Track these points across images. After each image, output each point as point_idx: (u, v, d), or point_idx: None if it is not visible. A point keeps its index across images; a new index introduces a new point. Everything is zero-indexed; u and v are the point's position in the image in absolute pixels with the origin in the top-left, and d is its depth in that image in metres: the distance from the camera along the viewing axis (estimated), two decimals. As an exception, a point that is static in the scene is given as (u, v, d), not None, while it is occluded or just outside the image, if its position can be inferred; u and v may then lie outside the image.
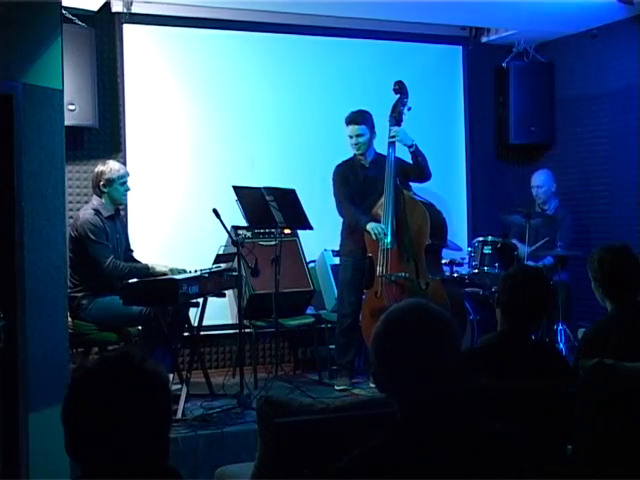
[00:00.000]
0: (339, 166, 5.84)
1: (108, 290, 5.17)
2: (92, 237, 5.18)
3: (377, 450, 1.83)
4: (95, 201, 5.37)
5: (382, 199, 5.65)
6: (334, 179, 5.81)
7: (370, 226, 5.60)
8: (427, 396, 1.84)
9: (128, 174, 5.45)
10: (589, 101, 6.93)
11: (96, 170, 5.41)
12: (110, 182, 5.32)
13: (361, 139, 5.70)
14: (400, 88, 5.74)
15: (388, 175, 5.62)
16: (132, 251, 5.64)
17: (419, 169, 5.71)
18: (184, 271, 5.30)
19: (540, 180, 6.71)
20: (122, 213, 5.86)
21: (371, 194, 5.73)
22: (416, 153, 5.68)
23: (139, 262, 5.50)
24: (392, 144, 5.66)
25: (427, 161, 5.73)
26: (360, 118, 5.69)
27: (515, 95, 7.19)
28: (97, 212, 5.29)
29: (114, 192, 5.35)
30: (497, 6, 6.12)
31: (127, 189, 5.44)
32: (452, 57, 7.28)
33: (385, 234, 5.56)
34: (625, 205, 6.59)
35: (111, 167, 5.37)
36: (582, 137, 7.02)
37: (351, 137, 5.71)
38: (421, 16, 6.56)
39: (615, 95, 6.68)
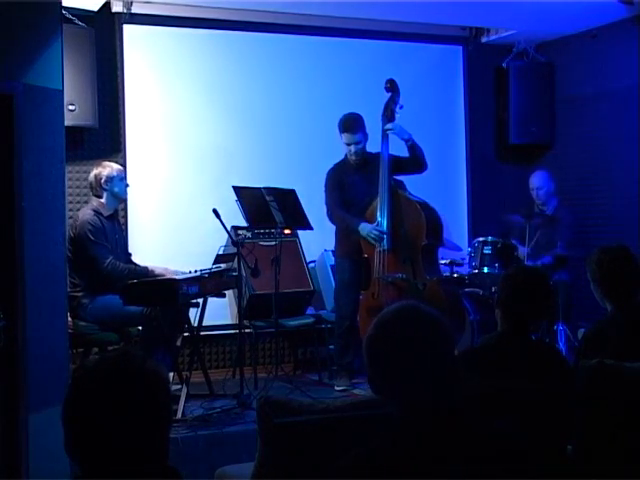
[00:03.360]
0: (331, 170, 5.80)
1: (108, 290, 5.18)
2: (91, 237, 5.19)
3: (377, 450, 1.83)
4: (94, 202, 5.38)
5: (376, 200, 5.63)
6: (326, 184, 5.77)
7: (365, 232, 5.57)
8: (422, 397, 1.85)
9: (124, 169, 5.59)
10: (589, 101, 6.93)
11: (93, 173, 5.43)
12: (111, 179, 5.37)
13: (359, 146, 5.67)
14: (392, 86, 5.70)
15: (383, 175, 5.59)
16: (130, 254, 5.65)
17: (417, 161, 5.67)
18: (182, 273, 5.30)
19: (539, 181, 6.70)
20: (121, 213, 5.88)
21: (366, 194, 5.70)
22: (413, 146, 5.64)
23: (138, 265, 5.50)
24: (386, 138, 5.60)
25: (424, 152, 5.68)
26: (356, 125, 5.63)
27: (515, 95, 7.18)
28: (97, 212, 5.30)
29: (116, 188, 5.39)
30: (497, 6, 6.12)
31: (127, 184, 5.51)
32: (452, 57, 7.28)
33: (382, 235, 5.55)
34: (625, 205, 6.59)
35: (109, 166, 5.44)
36: (582, 137, 7.01)
37: (349, 144, 5.68)
38: (421, 16, 6.56)
39: (615, 95, 6.68)
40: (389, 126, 5.60)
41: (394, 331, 1.89)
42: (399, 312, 1.93)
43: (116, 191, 5.39)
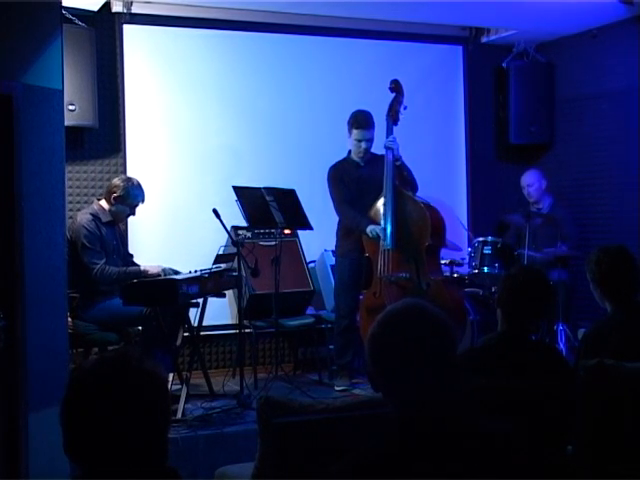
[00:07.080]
0: (333, 167, 5.80)
1: (104, 292, 5.18)
2: (84, 242, 5.18)
3: (374, 451, 1.83)
4: (96, 206, 5.37)
5: (381, 200, 5.63)
6: (329, 181, 5.76)
7: (370, 230, 5.57)
8: (422, 396, 1.84)
9: (143, 200, 5.43)
10: (589, 101, 6.93)
11: (117, 181, 5.40)
12: (122, 200, 5.33)
13: (370, 143, 5.69)
14: (396, 87, 5.72)
15: (387, 176, 5.60)
16: (132, 256, 5.65)
17: (404, 180, 5.70)
18: (176, 272, 5.30)
19: (530, 179, 6.72)
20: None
21: (367, 194, 5.71)
22: (401, 168, 5.67)
23: (131, 266, 5.47)
24: (390, 149, 5.65)
25: (413, 174, 5.72)
26: (370, 122, 5.65)
27: (515, 95, 7.18)
28: (95, 217, 5.28)
29: (120, 211, 5.37)
30: (497, 6, 6.12)
31: (132, 214, 5.46)
32: (452, 57, 7.28)
33: (385, 236, 5.54)
34: (625, 205, 6.59)
35: (131, 187, 5.35)
36: (582, 137, 7.01)
37: (360, 141, 5.68)
38: (421, 16, 6.56)
39: (615, 95, 6.68)
40: (389, 144, 5.61)
41: (398, 329, 1.87)
42: (404, 310, 1.91)
43: (118, 212, 5.36)
